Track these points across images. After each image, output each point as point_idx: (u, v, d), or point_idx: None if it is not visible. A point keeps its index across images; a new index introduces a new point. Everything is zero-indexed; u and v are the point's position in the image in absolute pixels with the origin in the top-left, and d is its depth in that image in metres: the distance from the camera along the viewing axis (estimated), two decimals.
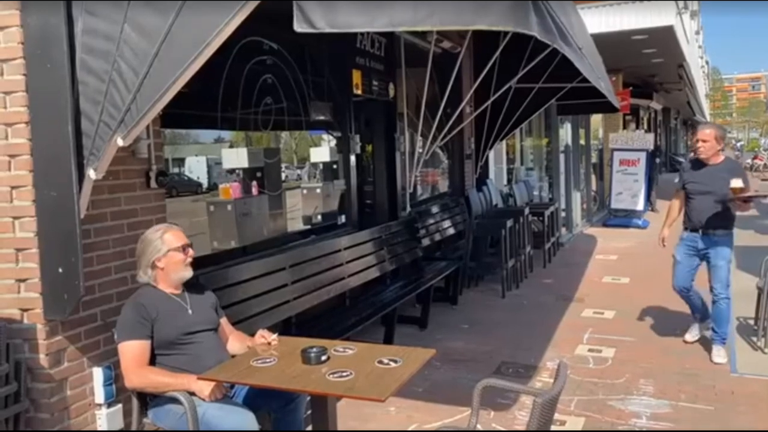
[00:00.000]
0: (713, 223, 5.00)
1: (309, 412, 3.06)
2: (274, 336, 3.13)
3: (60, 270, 2.88)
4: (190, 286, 3.17)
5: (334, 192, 6.41)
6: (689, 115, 41.39)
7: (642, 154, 13.47)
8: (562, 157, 12.87)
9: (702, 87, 32.97)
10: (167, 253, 3.03)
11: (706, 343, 5.40)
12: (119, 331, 2.98)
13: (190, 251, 3.13)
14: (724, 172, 4.94)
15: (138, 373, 2.91)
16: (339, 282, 5.12)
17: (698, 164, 5.14)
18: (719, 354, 5.04)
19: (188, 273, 3.12)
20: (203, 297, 3.21)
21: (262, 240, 5.17)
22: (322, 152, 6.40)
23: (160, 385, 2.93)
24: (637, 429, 3.99)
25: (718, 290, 5.05)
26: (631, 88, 15.08)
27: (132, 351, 2.92)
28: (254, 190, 5.18)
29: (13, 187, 2.95)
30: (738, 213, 5.06)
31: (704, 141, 4.99)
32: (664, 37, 10.80)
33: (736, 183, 4.81)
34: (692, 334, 5.50)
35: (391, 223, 6.48)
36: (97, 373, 3.18)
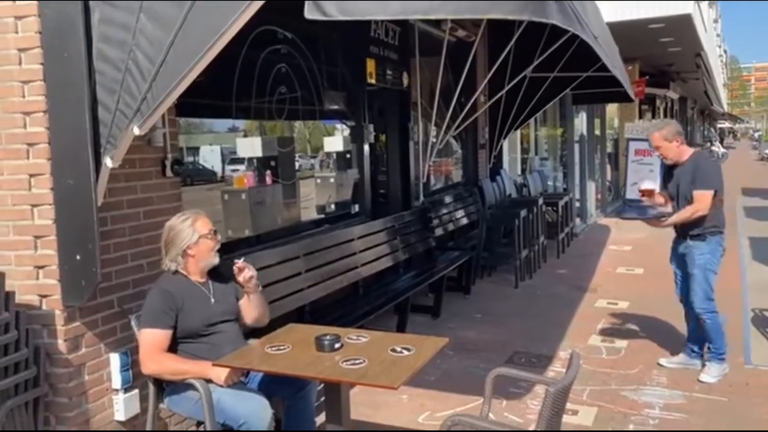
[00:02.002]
0: (687, 228, 4.51)
1: (322, 399, 3.09)
2: (241, 261, 3.13)
3: (77, 257, 2.91)
4: (213, 273, 3.20)
5: (347, 181, 6.42)
6: (706, 105, 40.91)
7: None
8: (576, 146, 12.80)
9: (720, 76, 32.57)
10: (199, 240, 3.06)
11: None
12: (143, 317, 3.02)
13: (218, 237, 3.17)
14: (687, 172, 4.46)
15: (155, 360, 2.95)
16: (352, 271, 5.14)
17: (672, 165, 4.64)
18: (707, 372, 4.52)
19: (216, 259, 3.16)
20: (225, 285, 3.23)
21: (275, 229, 5.20)
22: (335, 141, 6.40)
23: (177, 372, 2.97)
24: (649, 428, 3.98)
25: (697, 305, 4.48)
26: (647, 77, 14.93)
27: (152, 339, 2.96)
28: (268, 180, 5.21)
29: (31, 175, 2.99)
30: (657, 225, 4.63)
31: (658, 147, 4.54)
32: (682, 25, 10.68)
33: (647, 184, 4.41)
34: (670, 360, 4.82)
35: (405, 212, 6.49)
36: (114, 359, 3.23)
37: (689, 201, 4.43)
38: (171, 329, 2.99)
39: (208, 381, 2.94)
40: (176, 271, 3.09)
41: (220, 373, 2.92)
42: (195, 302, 3.06)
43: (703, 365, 4.63)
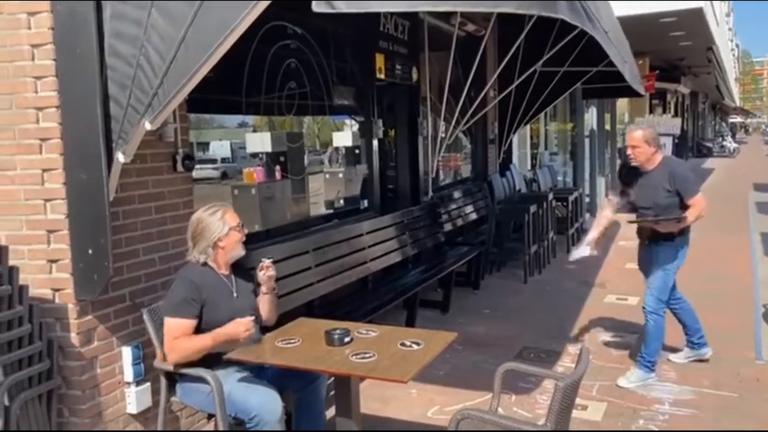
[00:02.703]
0: (654, 236, 4.43)
1: (332, 393, 3.11)
2: (268, 261, 3.20)
3: (90, 251, 2.94)
4: (236, 267, 3.23)
5: (356, 176, 6.43)
6: (718, 100, 40.63)
7: (668, 139, 13.29)
8: (586, 141, 12.76)
9: (732, 70, 32.34)
10: (229, 232, 3.09)
11: (730, 331, 5.35)
12: (166, 306, 3.05)
13: (245, 230, 3.21)
14: (659, 179, 4.32)
15: (172, 347, 2.96)
16: (361, 266, 5.16)
17: (636, 169, 4.48)
18: (628, 376, 4.41)
19: (243, 251, 3.19)
20: (246, 282, 3.26)
21: (285, 224, 5.22)
22: (344, 137, 6.41)
23: (195, 349, 2.95)
24: (658, 423, 3.98)
25: (647, 301, 4.47)
26: (657, 71, 14.84)
27: (174, 328, 2.97)
28: (278, 175, 5.23)
29: (44, 170, 3.01)
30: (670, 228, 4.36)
31: (635, 147, 4.35)
32: (693, 19, 10.61)
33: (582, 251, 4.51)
34: (678, 355, 4.80)
35: (413, 208, 6.49)
36: (126, 352, 3.26)
37: (665, 208, 4.33)
38: (195, 318, 2.98)
39: (224, 363, 2.94)
40: (205, 263, 3.11)
41: (237, 329, 2.89)
42: (220, 296, 3.08)
43: (696, 351, 4.64)
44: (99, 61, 2.78)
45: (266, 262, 3.20)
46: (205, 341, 2.96)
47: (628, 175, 4.57)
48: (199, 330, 3.01)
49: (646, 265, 4.59)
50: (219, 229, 3.08)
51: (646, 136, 4.36)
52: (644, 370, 4.42)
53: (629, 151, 4.45)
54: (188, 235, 3.15)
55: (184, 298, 2.99)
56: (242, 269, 3.29)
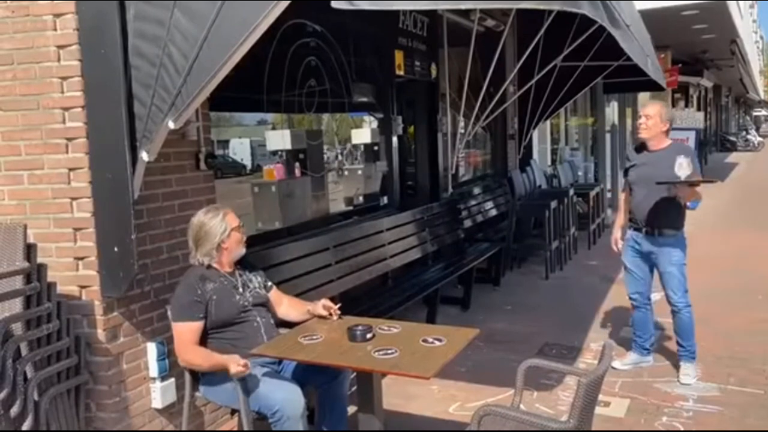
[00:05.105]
0: (658, 221, 4.27)
1: (354, 388, 3.13)
2: (336, 308, 3.26)
3: (115, 249, 2.98)
4: (240, 264, 3.26)
5: (375, 173, 6.44)
6: (742, 93, 40.01)
7: (691, 133, 13.12)
8: (608, 136, 12.63)
9: (756, 63, 31.79)
10: (230, 233, 3.13)
11: (757, 328, 5.28)
12: (173, 312, 3.09)
13: (243, 229, 3.25)
14: (671, 156, 4.20)
15: (184, 352, 3.03)
16: (381, 262, 5.16)
17: (641, 149, 4.43)
18: (687, 372, 4.37)
19: (244, 250, 3.24)
20: (252, 275, 3.30)
21: (305, 221, 5.25)
22: (363, 134, 6.42)
23: (196, 364, 3.06)
24: (683, 420, 3.94)
25: (676, 300, 4.34)
26: (680, 65, 14.65)
27: (182, 332, 3.02)
28: (297, 172, 5.25)
29: (70, 169, 3.07)
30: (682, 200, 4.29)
31: (648, 116, 4.26)
32: (716, 11, 10.45)
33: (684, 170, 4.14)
34: (623, 361, 4.61)
35: (433, 204, 6.48)
36: (151, 348, 3.30)
37: (668, 189, 4.22)
38: (201, 320, 3.03)
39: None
40: (209, 266, 3.15)
41: (231, 365, 2.89)
42: (224, 293, 3.11)
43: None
44: (123, 62, 2.81)
45: (335, 308, 3.26)
46: (201, 360, 3.02)
47: (638, 152, 4.44)
48: (206, 328, 3.06)
49: (643, 258, 4.44)
50: (221, 231, 3.11)
51: (662, 111, 4.30)
52: (692, 362, 4.41)
53: (640, 121, 4.36)
54: (190, 239, 3.17)
55: (188, 301, 3.03)
56: (247, 264, 3.32)
